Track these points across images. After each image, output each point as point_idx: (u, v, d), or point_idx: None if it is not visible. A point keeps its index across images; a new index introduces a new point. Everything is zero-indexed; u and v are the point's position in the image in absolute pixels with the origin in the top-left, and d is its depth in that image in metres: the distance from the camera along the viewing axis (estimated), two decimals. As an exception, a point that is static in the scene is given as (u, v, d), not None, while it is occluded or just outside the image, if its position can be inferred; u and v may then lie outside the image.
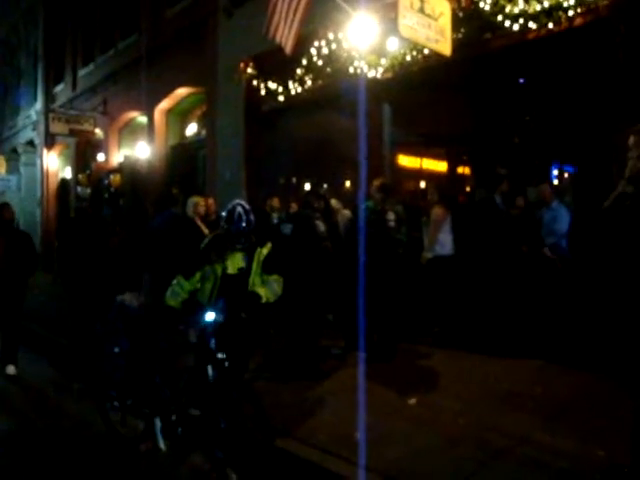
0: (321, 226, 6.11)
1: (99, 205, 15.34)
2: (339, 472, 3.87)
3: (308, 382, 5.73)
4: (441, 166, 10.00)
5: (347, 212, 7.71)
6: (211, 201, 8.49)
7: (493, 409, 4.81)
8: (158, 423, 4.42)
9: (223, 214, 4.40)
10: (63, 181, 20.16)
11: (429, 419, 4.74)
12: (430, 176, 9.73)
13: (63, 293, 9.23)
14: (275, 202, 9.14)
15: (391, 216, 6.60)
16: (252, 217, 4.33)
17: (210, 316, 4.07)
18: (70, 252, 8.13)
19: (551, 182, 7.65)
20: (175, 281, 4.36)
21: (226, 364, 4.01)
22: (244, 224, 4.25)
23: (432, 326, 7.23)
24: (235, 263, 4.32)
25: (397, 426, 4.59)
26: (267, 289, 4.32)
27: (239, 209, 4.29)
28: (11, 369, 6.80)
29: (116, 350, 4.74)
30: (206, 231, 7.71)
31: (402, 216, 7.25)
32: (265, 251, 4.41)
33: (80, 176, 18.08)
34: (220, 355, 4.03)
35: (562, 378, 5.41)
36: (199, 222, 7.73)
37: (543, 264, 6.55)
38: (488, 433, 4.37)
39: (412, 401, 5.16)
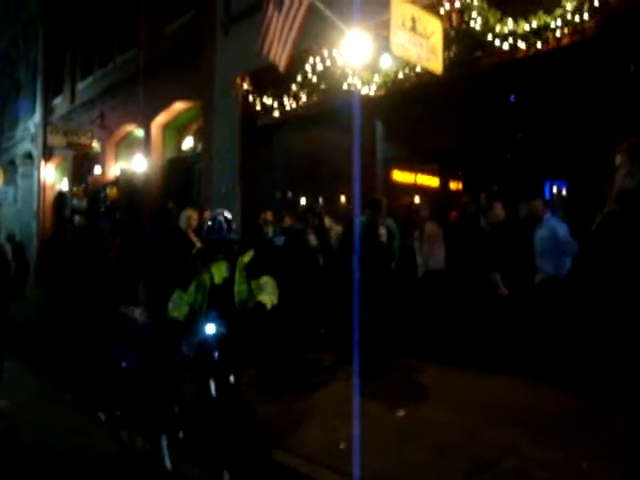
0: (313, 240, 6.19)
1: (95, 218, 15.41)
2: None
3: (298, 394, 5.77)
4: (435, 182, 10.11)
5: (340, 228, 7.78)
6: (207, 213, 8.47)
7: (481, 422, 4.85)
8: (164, 440, 4.30)
9: (207, 224, 4.38)
10: (60, 193, 20.24)
11: (418, 431, 4.79)
12: (424, 192, 9.83)
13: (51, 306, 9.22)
14: (269, 216, 9.22)
15: (382, 230, 6.69)
16: (234, 226, 4.32)
17: (211, 329, 3.98)
18: (60, 265, 8.17)
19: (544, 198, 7.50)
20: (175, 295, 4.32)
21: (231, 379, 3.94)
22: (224, 233, 4.23)
23: (424, 340, 7.27)
24: (220, 273, 4.29)
25: (386, 437, 4.63)
26: (266, 294, 4.18)
27: (220, 218, 4.28)
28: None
29: (124, 365, 4.57)
30: (198, 244, 7.80)
31: (393, 230, 7.35)
32: (246, 259, 4.33)
33: (75, 188, 18.17)
34: (223, 369, 3.96)
35: (550, 394, 5.45)
36: (192, 235, 7.81)
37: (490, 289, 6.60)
38: (476, 445, 4.42)
39: (401, 414, 5.20)
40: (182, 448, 4.20)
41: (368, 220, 6.73)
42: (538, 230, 6.57)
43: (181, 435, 4.20)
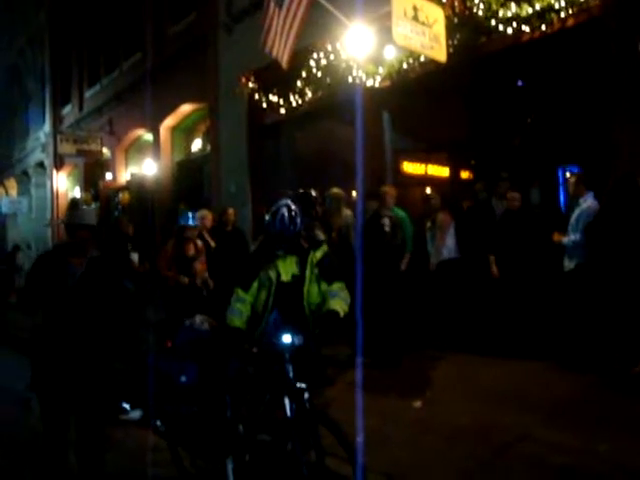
0: (320, 235, 6.13)
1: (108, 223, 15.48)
2: (339, 471, 3.79)
3: (315, 388, 5.75)
4: (445, 171, 10.06)
5: (349, 212, 7.55)
6: (231, 211, 8.39)
7: (496, 408, 4.84)
8: (230, 464, 3.83)
9: (267, 216, 3.94)
10: (73, 201, 20.40)
11: (432, 420, 4.78)
12: (435, 182, 9.78)
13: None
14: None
15: (386, 221, 6.65)
16: (299, 219, 3.82)
17: (287, 339, 3.51)
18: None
19: (582, 175, 6.75)
20: (234, 296, 3.90)
21: (306, 395, 3.44)
22: (287, 225, 3.76)
23: (438, 330, 7.25)
24: (288, 269, 3.87)
25: (400, 428, 4.64)
26: (338, 301, 3.75)
27: (283, 210, 3.79)
28: None
29: (183, 379, 4.16)
30: (212, 243, 7.82)
31: (404, 221, 7.29)
32: (319, 254, 3.90)
33: (84, 194, 18.33)
34: (298, 385, 3.47)
35: (564, 379, 5.41)
36: (206, 234, 7.85)
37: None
38: (491, 431, 4.40)
39: (417, 404, 5.19)
40: (249, 472, 3.80)
41: (371, 212, 6.71)
42: (575, 212, 6.04)
43: (247, 458, 3.78)
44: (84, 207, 5.37)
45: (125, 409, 5.73)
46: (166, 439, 4.41)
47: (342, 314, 3.69)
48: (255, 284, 3.86)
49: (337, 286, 3.82)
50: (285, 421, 3.45)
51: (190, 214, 7.38)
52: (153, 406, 4.52)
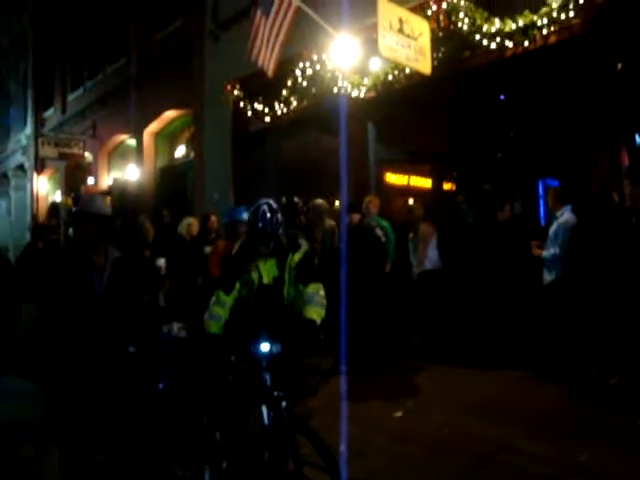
0: (302, 243, 6.11)
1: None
2: None
3: (295, 398, 5.74)
4: (428, 183, 10.14)
5: (332, 222, 7.56)
6: (214, 218, 8.19)
7: (476, 419, 4.86)
8: (207, 472, 3.84)
9: (246, 215, 3.93)
10: (53, 205, 20.19)
11: (413, 431, 4.79)
12: (418, 193, 9.85)
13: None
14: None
15: (379, 232, 6.71)
16: (279, 217, 3.78)
17: (265, 347, 3.50)
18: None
19: (559, 189, 6.70)
20: (214, 298, 3.78)
21: (283, 404, 3.40)
22: (268, 223, 3.71)
23: (418, 340, 7.29)
24: (269, 271, 3.84)
25: (381, 438, 4.64)
26: (315, 308, 3.70)
27: (263, 207, 3.75)
28: None
29: (160, 387, 4.14)
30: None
31: (388, 232, 7.35)
32: (297, 257, 3.87)
33: (63, 198, 18.15)
34: (276, 393, 3.43)
35: (543, 390, 5.44)
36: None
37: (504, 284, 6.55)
38: (470, 442, 4.42)
39: (397, 414, 5.20)
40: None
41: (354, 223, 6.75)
42: (553, 226, 6.08)
43: (225, 465, 3.76)
44: (97, 195, 4.45)
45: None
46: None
47: (319, 321, 3.67)
48: (237, 285, 3.81)
49: (313, 288, 3.79)
50: (262, 429, 3.43)
51: (244, 208, 6.98)
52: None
